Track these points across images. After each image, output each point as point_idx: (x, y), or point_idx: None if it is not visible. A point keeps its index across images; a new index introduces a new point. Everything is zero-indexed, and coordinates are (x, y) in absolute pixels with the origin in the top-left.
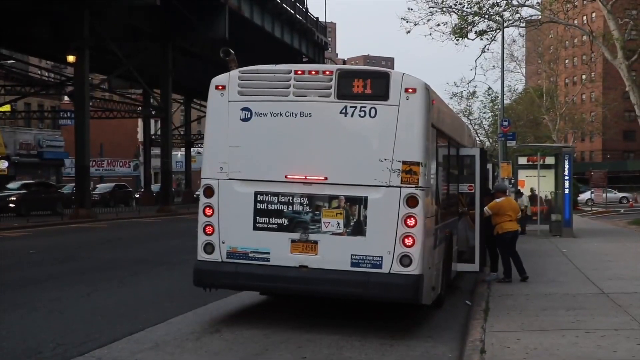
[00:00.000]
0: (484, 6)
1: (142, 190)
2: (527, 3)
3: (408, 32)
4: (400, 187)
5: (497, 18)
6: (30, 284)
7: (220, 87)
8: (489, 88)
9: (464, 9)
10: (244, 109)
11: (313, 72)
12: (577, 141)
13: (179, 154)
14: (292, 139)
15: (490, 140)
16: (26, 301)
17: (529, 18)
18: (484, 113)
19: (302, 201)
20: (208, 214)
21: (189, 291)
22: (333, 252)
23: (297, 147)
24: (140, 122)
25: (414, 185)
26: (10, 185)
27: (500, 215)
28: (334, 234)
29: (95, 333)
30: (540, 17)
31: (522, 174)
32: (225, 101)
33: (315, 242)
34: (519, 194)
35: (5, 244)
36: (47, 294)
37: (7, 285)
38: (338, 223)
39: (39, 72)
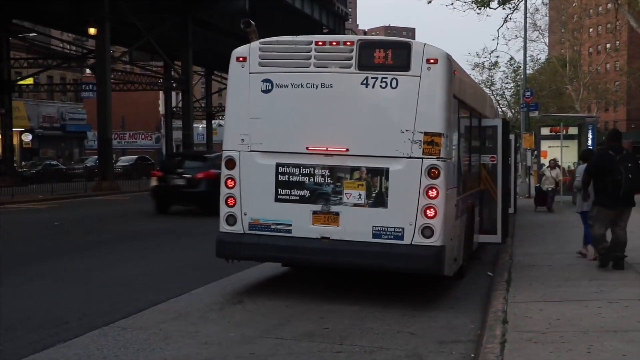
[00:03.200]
0: None
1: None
2: None
3: (429, 2)
4: (422, 158)
5: None
6: (55, 255)
7: (241, 59)
8: (511, 58)
9: None
10: (264, 80)
11: (334, 43)
12: (600, 111)
13: (200, 126)
14: (313, 111)
15: (513, 110)
16: (51, 272)
17: None
18: (506, 83)
19: (324, 173)
20: (230, 185)
21: (211, 263)
22: (354, 223)
23: (318, 119)
24: (161, 94)
25: (435, 157)
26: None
27: None
28: (355, 205)
29: (119, 303)
30: None
31: (544, 145)
32: (246, 73)
33: (337, 214)
34: (554, 167)
35: (30, 215)
36: (72, 264)
37: (33, 257)
38: (359, 194)
39: (61, 45)
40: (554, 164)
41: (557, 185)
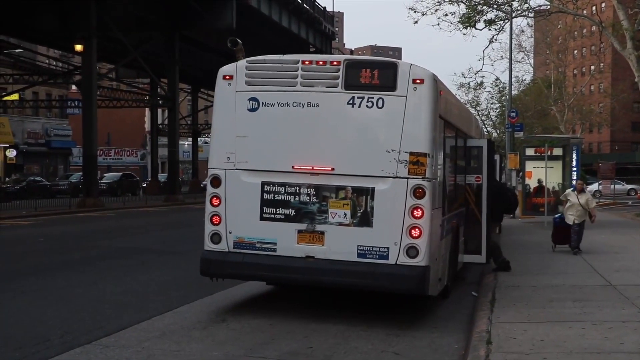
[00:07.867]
0: None
1: (149, 179)
2: None
3: (416, 22)
4: (407, 178)
5: (506, 8)
6: (38, 272)
7: (227, 77)
8: (497, 79)
9: None
10: (251, 99)
11: (320, 63)
12: (585, 132)
13: (185, 143)
14: (299, 130)
15: (498, 131)
16: (34, 289)
17: (537, 8)
18: (492, 104)
19: (309, 192)
20: (215, 204)
21: (195, 281)
22: (339, 242)
23: (304, 138)
24: (147, 111)
25: (421, 177)
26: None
27: None
28: (340, 224)
29: (102, 321)
30: (549, 7)
31: (529, 165)
32: (233, 91)
33: (322, 233)
34: (582, 190)
35: (14, 232)
36: (55, 282)
37: (15, 273)
38: (345, 214)
39: (47, 61)
40: (581, 187)
41: (591, 217)
